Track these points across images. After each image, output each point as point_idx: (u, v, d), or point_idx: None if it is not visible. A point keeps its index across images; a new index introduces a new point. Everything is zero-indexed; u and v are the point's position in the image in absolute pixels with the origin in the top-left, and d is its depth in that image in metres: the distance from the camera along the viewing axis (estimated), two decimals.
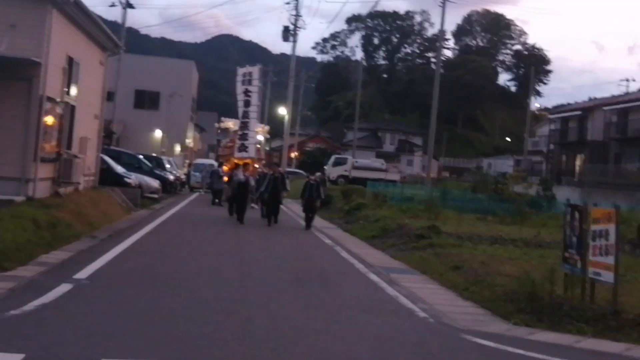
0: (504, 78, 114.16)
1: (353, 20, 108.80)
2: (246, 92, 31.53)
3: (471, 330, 8.02)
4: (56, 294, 8.30)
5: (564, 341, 7.83)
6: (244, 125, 31.13)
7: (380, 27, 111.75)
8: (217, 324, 7.31)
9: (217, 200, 27.53)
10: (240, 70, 32.61)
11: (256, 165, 29.00)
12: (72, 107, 17.88)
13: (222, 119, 36.90)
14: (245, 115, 31.32)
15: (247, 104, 31.43)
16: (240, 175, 21.54)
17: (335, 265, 13.11)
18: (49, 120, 15.48)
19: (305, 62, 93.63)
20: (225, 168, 28.97)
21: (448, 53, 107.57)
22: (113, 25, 40.56)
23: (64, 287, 8.70)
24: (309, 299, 9.41)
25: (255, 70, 32.29)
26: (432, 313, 8.95)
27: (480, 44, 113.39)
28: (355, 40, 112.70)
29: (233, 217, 21.15)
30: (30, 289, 8.47)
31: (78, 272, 9.85)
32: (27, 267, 9.93)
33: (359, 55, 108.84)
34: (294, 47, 45.21)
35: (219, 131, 41.71)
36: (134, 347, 6.06)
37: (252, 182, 21.75)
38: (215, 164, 35.32)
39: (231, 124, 33.69)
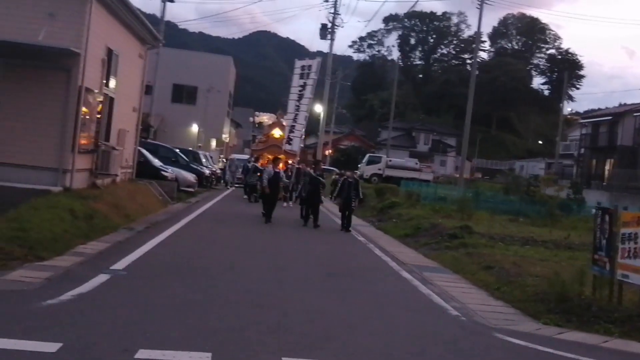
0: (537, 81, 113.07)
1: (390, 19, 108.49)
2: (303, 86, 30.07)
3: (502, 329, 8.07)
4: (93, 284, 8.41)
5: (591, 341, 7.92)
6: (294, 118, 29.98)
7: (417, 27, 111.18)
8: (252, 317, 7.37)
9: (248, 196, 27.50)
10: (299, 63, 31.26)
11: (290, 161, 28.72)
12: (111, 99, 17.98)
13: (257, 113, 37.85)
14: (297, 108, 29.92)
15: (300, 97, 29.90)
16: (270, 169, 20.31)
17: (368, 263, 13.13)
18: (87, 111, 15.54)
19: (342, 60, 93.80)
20: (260, 163, 28.35)
21: (484, 55, 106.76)
22: (151, 18, 41.08)
23: (101, 278, 8.83)
24: (343, 295, 9.43)
25: (314, 63, 30.50)
26: (464, 312, 8.96)
27: (516, 47, 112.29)
28: (392, 39, 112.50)
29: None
30: (67, 278, 8.58)
31: (115, 263, 9.97)
32: (63, 257, 10.03)
33: (395, 54, 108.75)
34: (331, 45, 45.29)
35: (256, 125, 41.59)
36: (171, 338, 6.12)
37: (284, 178, 20.50)
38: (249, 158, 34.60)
39: (266, 118, 34.43)
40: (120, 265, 9.94)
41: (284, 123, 31.33)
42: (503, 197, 31.41)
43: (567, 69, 78.27)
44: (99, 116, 16.68)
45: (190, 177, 26.80)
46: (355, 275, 11.31)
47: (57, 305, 7.12)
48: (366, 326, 7.50)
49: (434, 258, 14.31)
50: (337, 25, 44.19)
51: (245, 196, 27.94)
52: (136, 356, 5.44)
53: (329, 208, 25.42)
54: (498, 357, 6.83)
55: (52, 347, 5.45)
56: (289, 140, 29.82)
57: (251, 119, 36.43)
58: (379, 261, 13.53)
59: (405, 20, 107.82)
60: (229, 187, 34.74)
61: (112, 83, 17.74)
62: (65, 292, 7.69)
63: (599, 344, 7.77)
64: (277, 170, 20.30)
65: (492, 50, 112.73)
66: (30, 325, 6.18)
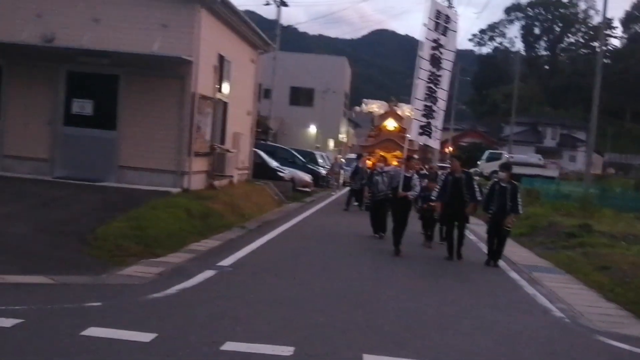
0: None
1: (512, 9, 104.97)
2: (437, 44, 16.80)
3: (607, 332, 7.66)
4: (199, 279, 8.80)
5: None
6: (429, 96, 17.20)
7: (542, 16, 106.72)
8: (343, 313, 7.48)
9: (352, 204, 22.63)
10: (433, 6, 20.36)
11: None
12: (225, 104, 18.65)
13: (365, 100, 30.26)
14: (434, 79, 16.75)
15: (436, 61, 16.61)
16: (398, 171, 14.00)
17: (475, 262, 12.81)
18: (201, 116, 16.20)
19: (463, 55, 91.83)
20: (368, 163, 22.76)
21: (615, 42, 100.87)
22: (270, 23, 42.19)
23: (207, 273, 9.21)
24: (443, 294, 9.36)
25: (451, 13, 17.35)
26: (569, 313, 8.62)
27: None
28: (514, 30, 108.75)
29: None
30: (176, 274, 9.00)
31: (223, 260, 10.36)
32: (177, 254, 10.51)
33: (518, 46, 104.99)
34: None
35: (371, 116, 30.39)
36: (260, 332, 6.34)
37: (417, 184, 13.58)
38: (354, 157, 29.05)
39: (375, 106, 28.61)
40: (228, 261, 10.32)
41: (399, 112, 27.34)
42: (634, 194, 29.67)
43: None
44: (213, 120, 17.36)
45: (306, 177, 27.26)
46: (460, 275, 11.13)
47: (161, 298, 7.54)
48: (458, 326, 7.39)
49: (547, 258, 13.82)
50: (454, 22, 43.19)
51: (354, 204, 22.69)
52: (222, 348, 5.69)
53: None
54: None
55: (147, 337, 5.80)
56: (426, 131, 17.48)
57: (357, 109, 30.40)
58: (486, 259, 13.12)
59: (529, 9, 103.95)
60: (332, 193, 29.23)
61: (225, 88, 18.35)
62: (171, 286, 8.11)
63: None
64: (410, 172, 13.53)
65: (624, 36, 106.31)
66: (132, 316, 6.61)
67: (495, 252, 12.56)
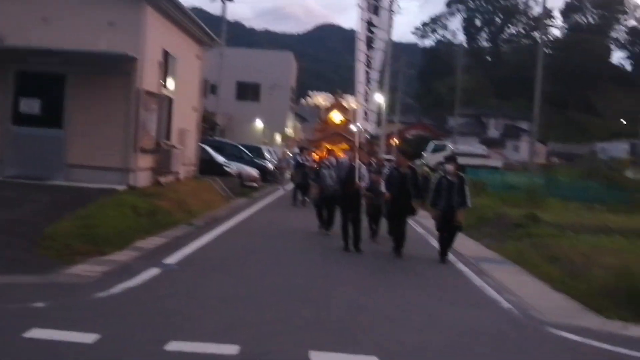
0: (618, 56, 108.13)
1: (453, 2, 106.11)
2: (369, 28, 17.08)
3: (557, 324, 7.66)
4: (144, 277, 8.63)
5: None
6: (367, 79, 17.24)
7: (483, 7, 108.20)
8: (291, 309, 7.40)
9: (299, 199, 22.07)
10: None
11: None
12: (170, 100, 18.48)
13: (311, 93, 29.49)
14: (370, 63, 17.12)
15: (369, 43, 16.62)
16: (345, 161, 13.43)
17: (424, 255, 12.84)
18: (147, 112, 16.05)
19: (407, 48, 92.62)
20: (315, 157, 22.31)
21: (556, 32, 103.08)
22: (217, 19, 41.75)
23: (153, 271, 9.04)
24: (392, 288, 9.34)
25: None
26: (519, 305, 8.66)
27: (592, 21, 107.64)
28: (456, 23, 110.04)
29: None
30: (122, 272, 8.83)
31: (169, 257, 10.20)
32: (123, 252, 10.35)
33: (461, 38, 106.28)
34: (389, 33, 44.65)
35: (318, 110, 29.91)
36: (206, 330, 6.22)
37: (366, 174, 12.93)
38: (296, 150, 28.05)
39: (321, 99, 27.99)
40: (174, 259, 10.17)
41: (345, 105, 26.96)
42: (579, 183, 30.30)
43: None
44: (158, 117, 17.13)
45: (254, 172, 27.08)
46: (407, 268, 11.11)
47: (105, 298, 7.37)
48: (407, 320, 7.38)
49: (495, 249, 13.94)
50: (393, 12, 43.28)
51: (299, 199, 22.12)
52: (166, 347, 5.56)
53: None
54: (546, 354, 6.50)
55: (90, 338, 5.64)
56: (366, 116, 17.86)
57: (303, 101, 28.91)
58: (435, 253, 12.95)
59: (470, 1, 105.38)
60: (280, 188, 28.75)
61: (171, 84, 18.25)
62: (116, 285, 7.95)
63: None
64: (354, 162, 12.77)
65: (565, 26, 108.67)
66: (77, 317, 6.44)
67: (445, 250, 12.23)
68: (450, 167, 12.22)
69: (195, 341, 5.77)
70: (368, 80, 15.01)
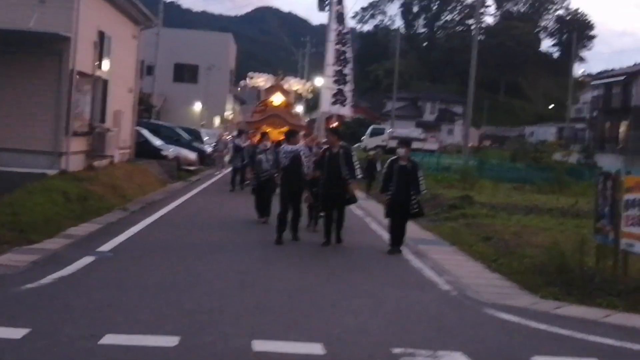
0: (546, 44, 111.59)
1: None
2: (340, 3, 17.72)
3: (494, 304, 7.75)
4: (77, 266, 8.36)
5: (591, 315, 7.47)
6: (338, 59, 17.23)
7: None
8: (232, 297, 7.27)
9: (237, 184, 21.21)
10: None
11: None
12: (105, 81, 18.02)
13: (251, 74, 27.35)
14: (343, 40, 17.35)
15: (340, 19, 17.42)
16: (287, 146, 12.02)
17: (363, 238, 12.79)
18: (80, 94, 15.61)
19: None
20: (253, 140, 19.68)
21: (489, 19, 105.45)
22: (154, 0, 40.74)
23: (86, 260, 8.77)
24: (331, 271, 9.29)
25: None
26: (457, 286, 8.73)
27: (522, 9, 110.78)
28: (394, 8, 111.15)
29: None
30: (52, 261, 8.54)
31: (103, 245, 9.93)
32: (53, 239, 10.01)
33: (398, 23, 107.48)
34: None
35: (257, 91, 27.53)
36: (143, 322, 6.03)
37: (308, 164, 11.89)
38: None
39: (261, 80, 26.24)
40: (108, 246, 9.90)
41: (286, 87, 25.88)
42: (509, 165, 31.17)
43: (576, 30, 76.97)
44: (92, 98, 16.68)
45: (191, 155, 26.69)
46: (346, 252, 11.03)
47: (35, 289, 7.08)
48: (349, 304, 7.33)
49: (431, 230, 14.04)
50: None
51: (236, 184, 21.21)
52: (101, 341, 5.35)
53: None
54: (484, 335, 6.51)
55: (19, 333, 5.40)
56: (339, 99, 17.58)
57: (242, 83, 27.79)
58: (374, 236, 13.21)
59: None
60: (217, 173, 27.87)
61: (106, 65, 17.79)
62: (47, 275, 7.66)
63: (599, 319, 7.31)
64: (294, 147, 11.93)
65: (497, 14, 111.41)
66: (4, 310, 6.17)
67: (397, 237, 11.27)
68: (402, 151, 11.42)
69: (132, 333, 5.59)
70: (345, 61, 14.10)
